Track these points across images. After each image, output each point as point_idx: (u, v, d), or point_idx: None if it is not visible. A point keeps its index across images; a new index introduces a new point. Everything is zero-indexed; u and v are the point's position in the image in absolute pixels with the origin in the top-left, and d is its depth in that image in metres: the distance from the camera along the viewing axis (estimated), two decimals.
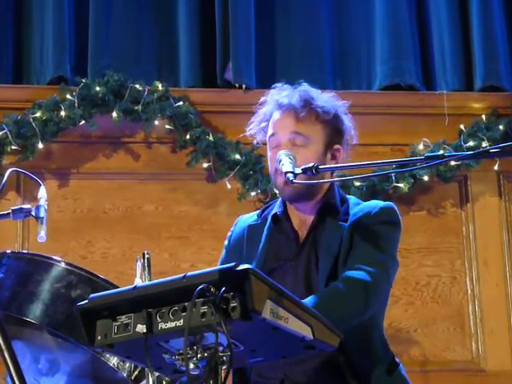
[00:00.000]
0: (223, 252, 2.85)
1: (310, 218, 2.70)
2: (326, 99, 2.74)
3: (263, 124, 2.78)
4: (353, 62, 5.12)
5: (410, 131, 4.88)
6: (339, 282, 2.49)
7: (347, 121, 2.77)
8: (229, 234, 2.86)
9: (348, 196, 2.81)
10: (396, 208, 2.70)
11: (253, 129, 2.82)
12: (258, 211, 2.86)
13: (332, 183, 2.74)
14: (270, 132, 2.75)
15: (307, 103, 2.70)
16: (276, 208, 2.76)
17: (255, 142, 2.83)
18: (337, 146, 2.74)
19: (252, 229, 2.77)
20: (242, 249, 2.75)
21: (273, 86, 2.83)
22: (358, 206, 2.70)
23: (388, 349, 2.65)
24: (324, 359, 2.50)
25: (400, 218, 2.69)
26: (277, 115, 2.73)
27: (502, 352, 4.67)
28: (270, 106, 2.77)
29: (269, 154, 2.75)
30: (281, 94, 2.76)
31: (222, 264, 2.75)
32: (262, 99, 2.82)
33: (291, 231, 2.70)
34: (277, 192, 2.83)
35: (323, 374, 2.52)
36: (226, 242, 2.85)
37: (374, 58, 5.04)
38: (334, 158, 2.73)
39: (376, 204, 2.70)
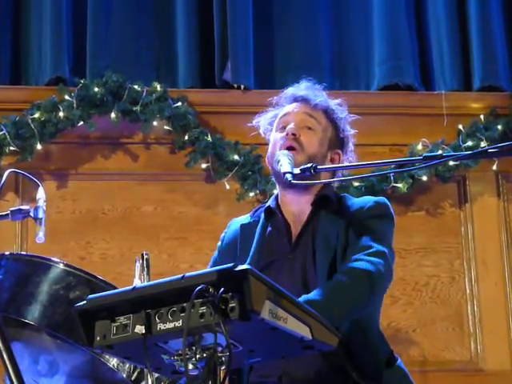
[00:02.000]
0: (215, 252, 2.85)
1: (305, 213, 2.70)
2: (338, 106, 2.82)
3: (274, 113, 2.81)
4: (351, 63, 5.11)
5: (409, 131, 4.88)
6: (342, 274, 2.48)
7: (351, 134, 2.83)
8: (222, 235, 2.86)
9: (343, 194, 2.83)
10: (389, 203, 2.71)
11: (261, 120, 2.84)
12: (250, 212, 2.86)
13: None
14: (281, 114, 2.79)
15: (322, 100, 2.78)
16: (269, 202, 2.77)
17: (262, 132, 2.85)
18: (338, 151, 2.79)
19: (245, 228, 2.78)
20: (235, 249, 2.75)
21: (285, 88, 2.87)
22: (352, 201, 2.72)
23: (386, 343, 2.65)
24: (322, 353, 2.50)
25: (393, 212, 2.70)
26: (291, 104, 2.79)
27: (500, 352, 4.67)
28: (284, 100, 2.82)
29: (274, 135, 2.77)
30: (297, 90, 2.82)
31: (214, 264, 2.76)
32: (276, 98, 2.85)
33: (283, 225, 2.70)
34: (273, 179, 2.81)
35: (321, 368, 2.52)
36: (218, 243, 2.85)
37: (372, 58, 5.04)
38: (332, 161, 2.77)
39: (369, 199, 2.72)
